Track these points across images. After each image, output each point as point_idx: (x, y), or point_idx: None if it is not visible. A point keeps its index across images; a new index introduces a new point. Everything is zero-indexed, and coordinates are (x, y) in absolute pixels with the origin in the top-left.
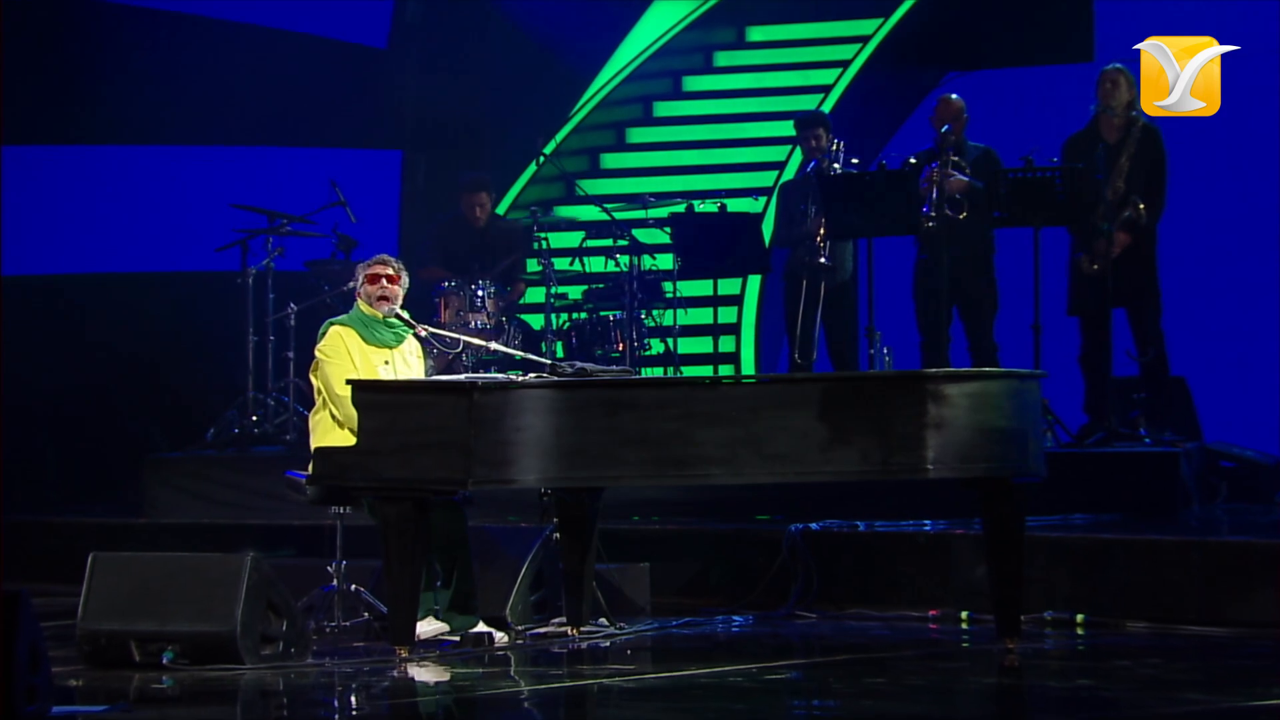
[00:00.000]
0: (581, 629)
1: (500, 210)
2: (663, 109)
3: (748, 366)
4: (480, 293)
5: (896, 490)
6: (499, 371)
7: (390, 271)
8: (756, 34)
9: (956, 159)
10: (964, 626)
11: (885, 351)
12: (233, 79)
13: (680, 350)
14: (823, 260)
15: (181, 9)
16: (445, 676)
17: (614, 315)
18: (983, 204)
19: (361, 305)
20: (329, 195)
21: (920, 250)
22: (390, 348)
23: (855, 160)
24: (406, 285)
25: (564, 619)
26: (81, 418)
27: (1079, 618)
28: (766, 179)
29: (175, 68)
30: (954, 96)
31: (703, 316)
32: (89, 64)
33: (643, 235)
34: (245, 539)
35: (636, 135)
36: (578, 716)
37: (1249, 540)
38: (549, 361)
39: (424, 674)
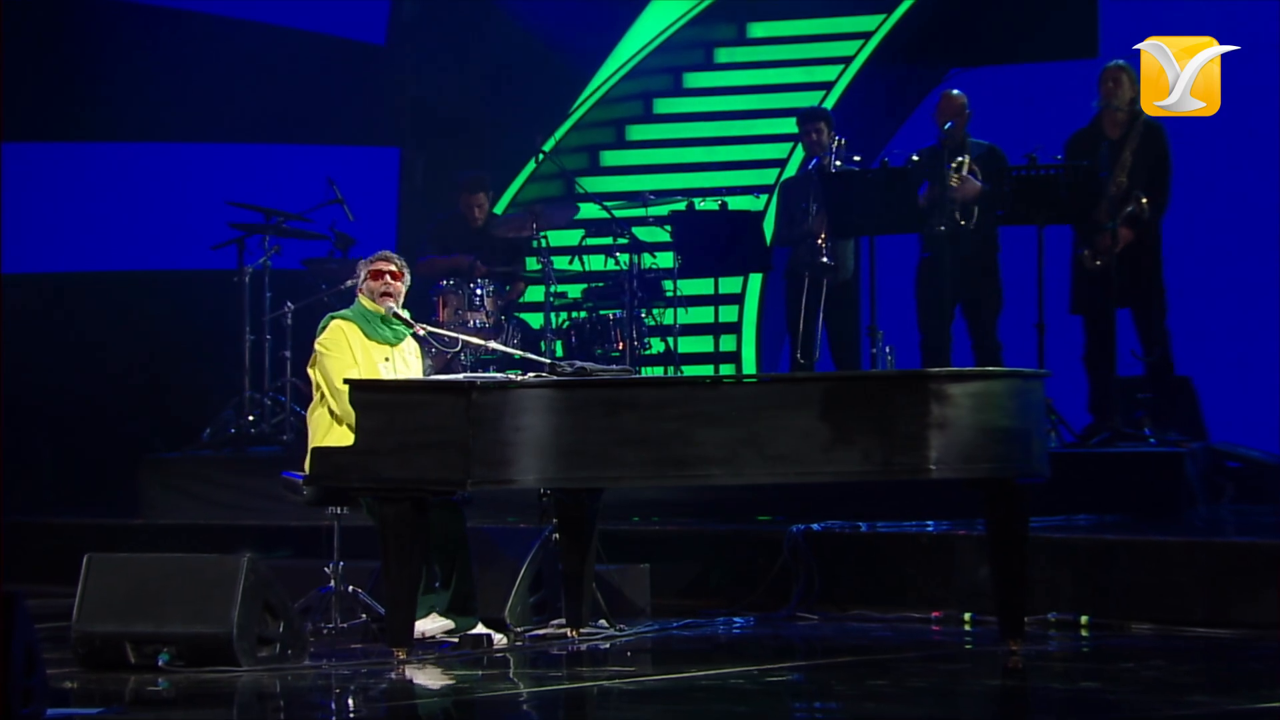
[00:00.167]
0: (581, 630)
1: (499, 209)
2: (663, 106)
3: (749, 366)
4: (479, 291)
5: (899, 491)
6: (498, 371)
7: (393, 268)
8: (758, 30)
9: (964, 160)
10: (967, 628)
11: (887, 350)
12: (229, 76)
13: (681, 349)
14: (824, 259)
15: (178, 5)
16: (444, 678)
17: (614, 314)
18: (988, 203)
19: (363, 301)
20: (326, 193)
21: (923, 248)
22: (391, 345)
23: (857, 158)
24: (408, 284)
25: (563, 620)
26: (77, 417)
27: (1083, 619)
28: (768, 176)
29: (171, 64)
30: (956, 92)
31: (703, 315)
32: (84, 60)
33: (643, 233)
34: (242, 540)
35: (636, 132)
36: (577, 719)
37: (1255, 541)
38: (548, 361)
39: (422, 676)
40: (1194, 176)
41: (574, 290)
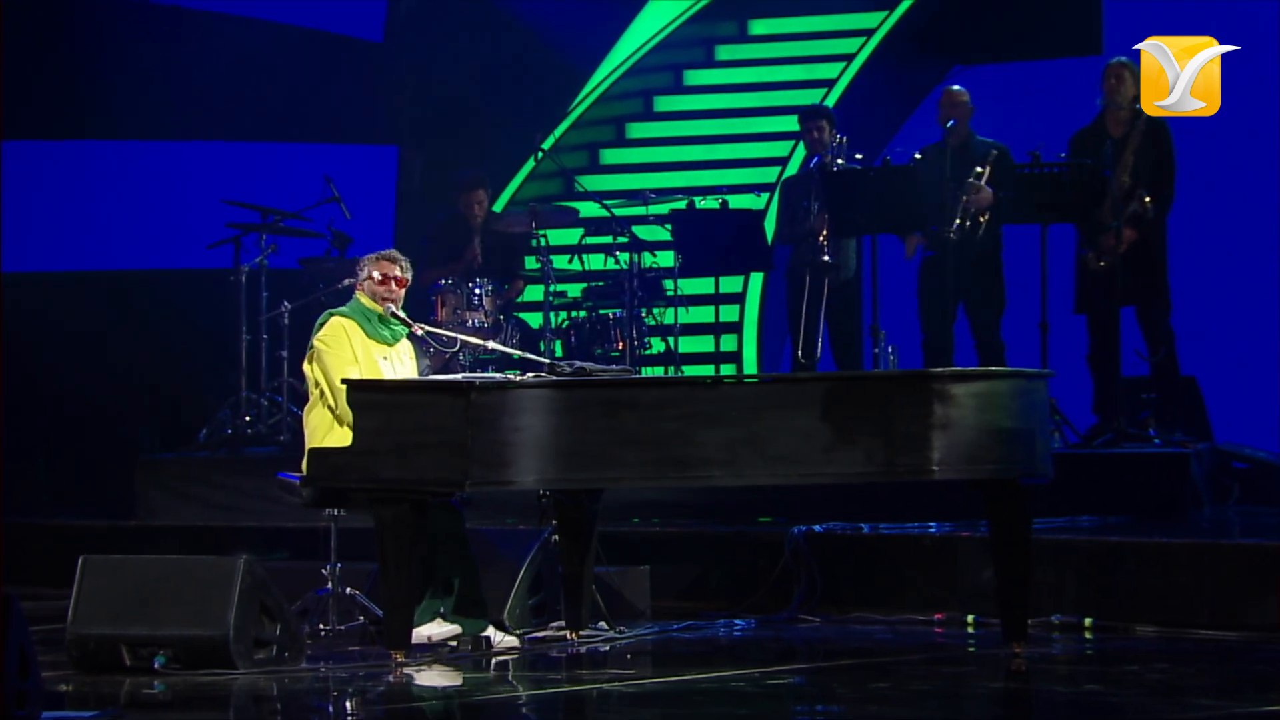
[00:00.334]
0: (580, 633)
1: (497, 208)
2: (663, 103)
3: (750, 366)
4: (478, 291)
5: (901, 492)
6: (496, 371)
7: (399, 274)
8: (759, 27)
9: (984, 170)
10: (970, 630)
11: (889, 350)
12: (225, 73)
13: (681, 349)
14: (826, 257)
15: (174, 2)
16: (442, 681)
17: (614, 313)
18: (998, 209)
19: (363, 299)
20: (323, 191)
21: (926, 247)
22: (389, 345)
23: (859, 156)
24: (407, 286)
25: (563, 623)
26: (72, 418)
27: (1087, 621)
28: (769, 175)
29: (167, 62)
30: (959, 89)
31: (704, 315)
32: (78, 58)
33: (643, 232)
34: (238, 541)
35: (637, 130)
36: None
37: (1261, 543)
38: (547, 361)
39: (421, 679)
40: (1202, 173)
41: (573, 289)
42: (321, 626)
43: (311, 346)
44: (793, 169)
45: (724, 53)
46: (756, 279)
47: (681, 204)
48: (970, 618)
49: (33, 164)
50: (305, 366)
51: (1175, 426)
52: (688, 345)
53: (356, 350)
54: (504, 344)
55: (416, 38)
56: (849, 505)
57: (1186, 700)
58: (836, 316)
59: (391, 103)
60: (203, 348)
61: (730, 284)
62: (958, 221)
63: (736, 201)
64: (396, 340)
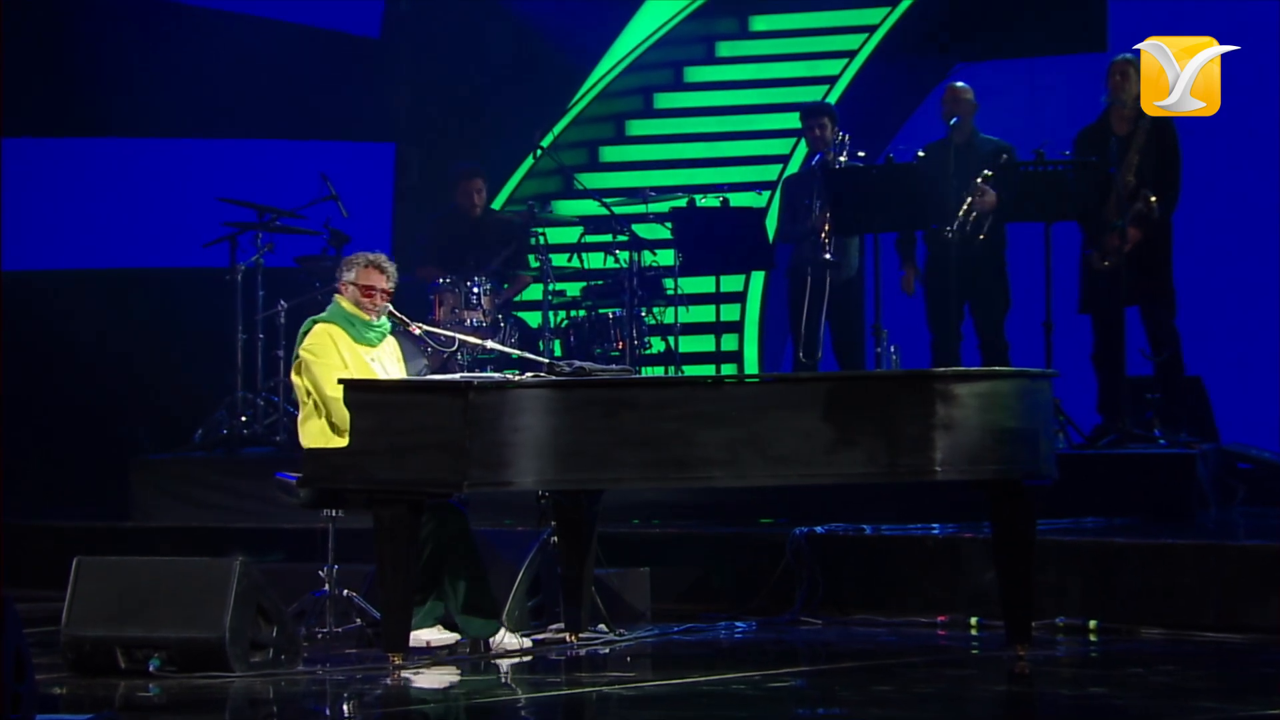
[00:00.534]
0: (580, 635)
1: (496, 205)
2: (664, 101)
3: (751, 365)
4: (476, 290)
5: (904, 493)
6: (495, 370)
7: (385, 286)
8: (760, 23)
9: (990, 173)
10: (973, 633)
11: (892, 350)
12: (221, 70)
13: (681, 349)
14: (828, 256)
15: None
16: (440, 684)
17: (613, 313)
18: (1003, 210)
19: (344, 304)
20: (320, 189)
21: (928, 245)
22: (374, 345)
23: (861, 153)
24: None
25: (562, 625)
26: (66, 418)
27: (1091, 624)
28: (770, 173)
29: (163, 58)
30: (962, 85)
31: (705, 314)
32: (74, 55)
33: (643, 230)
34: (234, 543)
35: (637, 128)
36: None
37: (1267, 544)
38: (546, 360)
39: (419, 682)
40: (1208, 171)
41: (573, 288)
42: (318, 629)
43: (298, 356)
44: (794, 167)
45: (725, 49)
46: (757, 278)
47: (682, 202)
48: (973, 620)
49: (27, 162)
50: (293, 377)
51: (1180, 427)
52: (688, 345)
53: (344, 356)
54: (502, 343)
55: (414, 34)
56: (851, 506)
57: (1192, 703)
58: (838, 316)
59: (389, 100)
60: (198, 347)
61: (731, 283)
62: (960, 218)
63: (737, 200)
64: (381, 340)
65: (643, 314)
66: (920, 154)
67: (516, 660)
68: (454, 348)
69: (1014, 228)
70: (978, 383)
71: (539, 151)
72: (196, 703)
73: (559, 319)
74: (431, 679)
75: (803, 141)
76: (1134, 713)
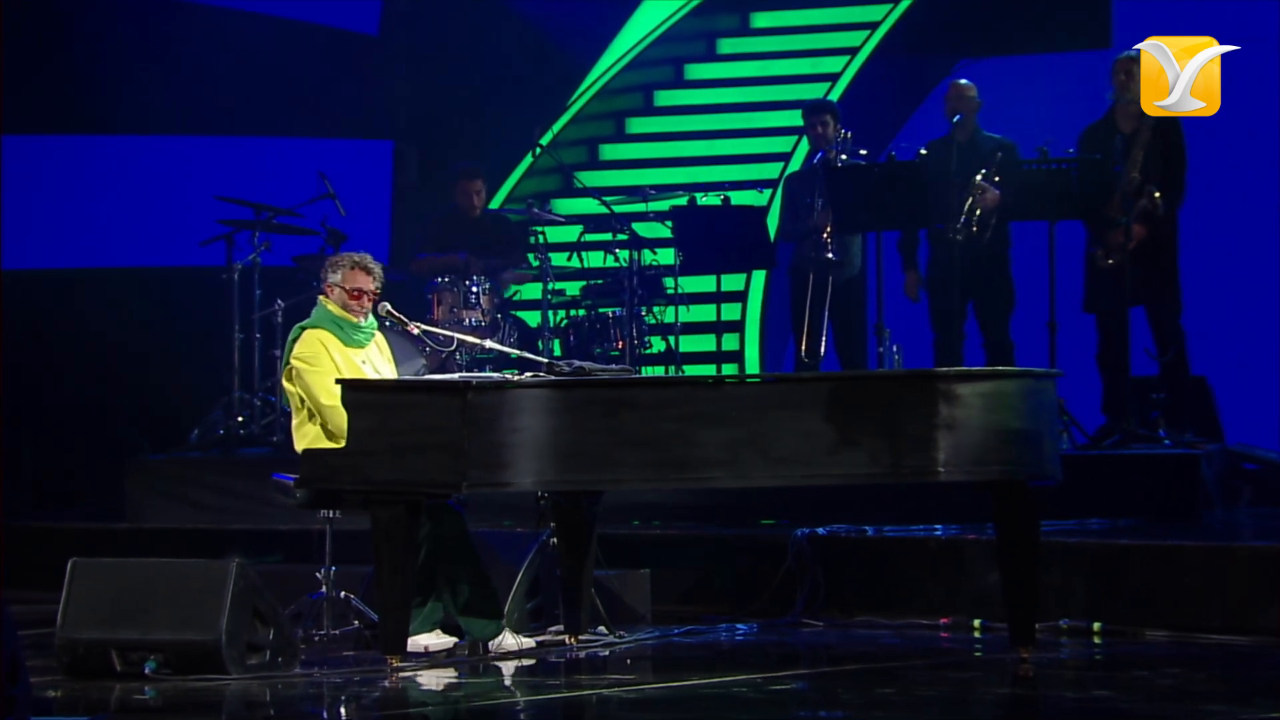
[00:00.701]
0: (580, 638)
1: (495, 204)
2: (664, 98)
3: (752, 365)
4: (475, 289)
5: (906, 494)
6: (494, 370)
7: (372, 287)
8: (761, 20)
9: (990, 171)
10: (976, 635)
11: (895, 349)
12: (218, 66)
13: (682, 348)
14: (830, 255)
15: None
16: (438, 687)
17: (613, 312)
18: (1006, 208)
19: (331, 306)
20: (317, 187)
21: (931, 244)
22: (363, 347)
23: (864, 151)
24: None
25: (561, 627)
26: (61, 418)
27: (1096, 626)
28: (772, 170)
29: (158, 55)
30: (966, 83)
31: (705, 313)
32: (70, 52)
33: (643, 229)
34: (231, 544)
35: (637, 125)
36: None
37: (1273, 546)
38: (546, 360)
39: (417, 684)
40: (1214, 168)
41: (572, 287)
42: (315, 631)
43: (288, 364)
44: (796, 164)
45: (726, 46)
46: (759, 277)
47: (682, 200)
48: (977, 622)
49: (21, 159)
50: (284, 384)
51: (1185, 427)
52: (689, 344)
53: (336, 360)
54: (501, 343)
55: (413, 31)
56: (853, 507)
57: (1197, 706)
58: (840, 315)
59: (387, 97)
60: (195, 347)
61: (732, 282)
62: (962, 220)
63: (738, 198)
64: (369, 341)
65: (643, 313)
66: (922, 152)
67: (516, 663)
68: (452, 347)
69: (1018, 226)
70: (981, 382)
71: (538, 149)
72: (192, 705)
73: (558, 318)
74: (430, 681)
75: (804, 139)
76: (1139, 716)
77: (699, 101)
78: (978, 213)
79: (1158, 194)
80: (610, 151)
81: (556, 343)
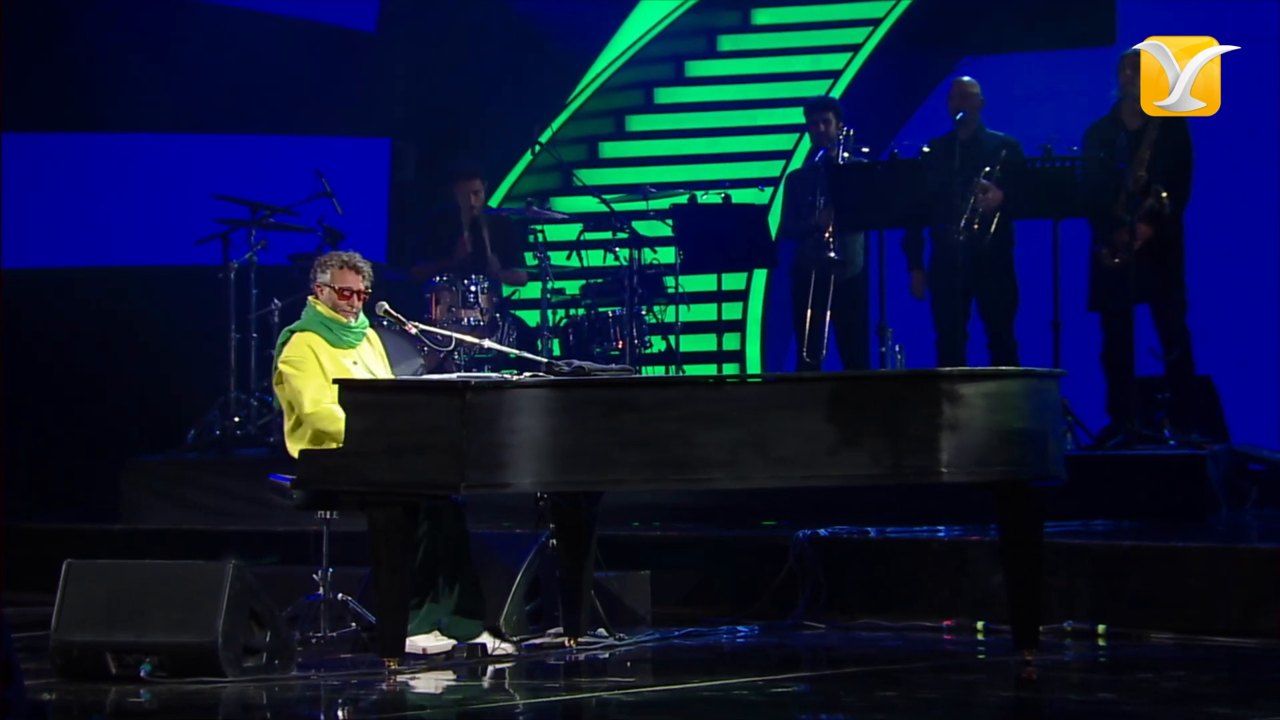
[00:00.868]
0: (579, 640)
1: (494, 202)
2: (664, 95)
3: (753, 365)
4: (473, 289)
5: (909, 495)
6: (493, 370)
7: (362, 287)
8: (762, 16)
9: (993, 169)
10: (980, 637)
11: (897, 349)
12: (214, 64)
13: (682, 348)
14: (832, 254)
15: None
16: (437, 690)
17: (613, 311)
18: (1009, 208)
19: (320, 307)
20: (314, 186)
21: (935, 243)
22: (354, 347)
23: (866, 149)
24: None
25: (561, 629)
26: (55, 418)
27: (1100, 628)
28: (773, 168)
29: (153, 52)
30: (969, 80)
31: (706, 313)
32: (67, 48)
33: (643, 228)
34: (227, 545)
35: (637, 123)
36: None
37: (1279, 547)
38: (545, 360)
39: (415, 687)
40: (1219, 167)
41: (572, 286)
42: (312, 633)
43: (277, 368)
44: (797, 162)
45: (727, 43)
46: (760, 276)
47: (683, 198)
48: (980, 624)
49: (17, 158)
50: (275, 388)
51: (1191, 427)
52: (689, 344)
53: (324, 364)
54: (500, 342)
55: (411, 28)
56: (855, 508)
57: (1203, 709)
58: (842, 314)
59: (385, 94)
60: (191, 347)
61: (733, 281)
62: (965, 219)
63: (739, 196)
64: (360, 341)
65: (643, 312)
66: (925, 150)
67: (514, 665)
68: (451, 347)
69: (1022, 224)
70: (984, 382)
71: (537, 147)
72: (188, 709)
73: (558, 317)
74: (428, 684)
75: (806, 137)
76: (1144, 719)
77: (700, 99)
78: (981, 211)
79: (1164, 193)
80: (610, 149)
81: (556, 342)
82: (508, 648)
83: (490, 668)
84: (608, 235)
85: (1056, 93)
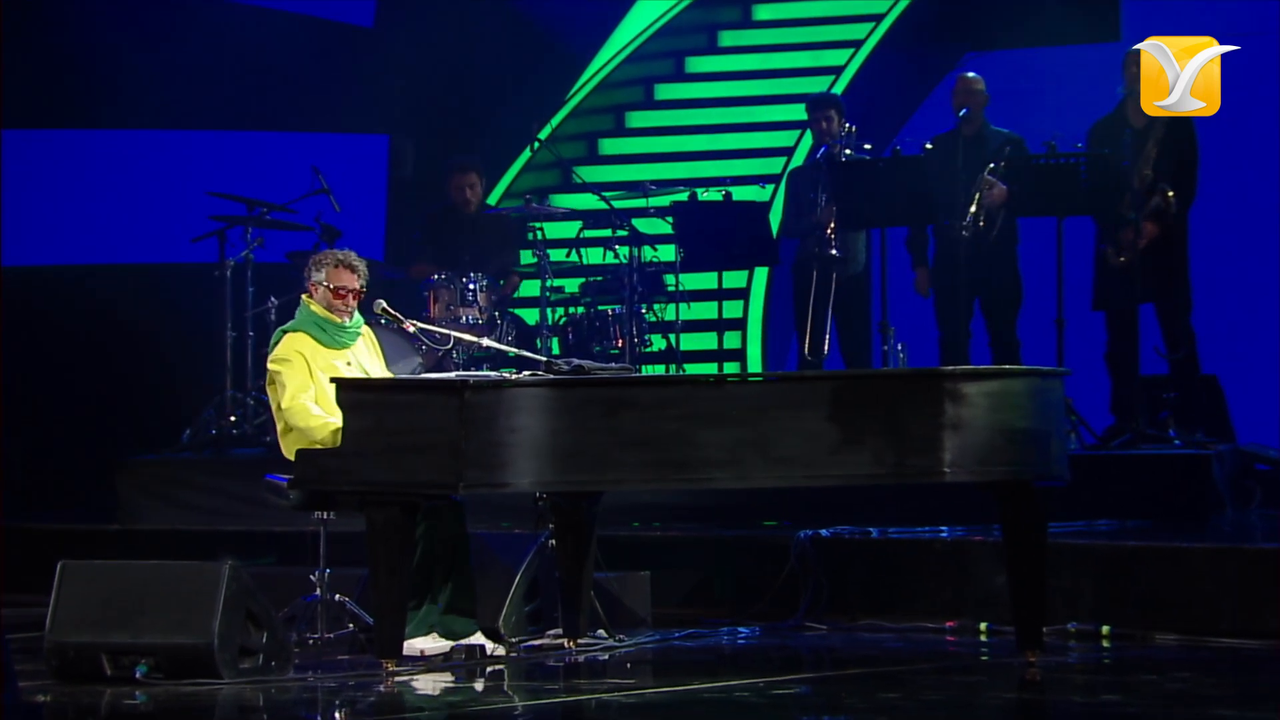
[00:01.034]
0: (579, 641)
1: (492, 200)
2: (665, 91)
3: (754, 364)
4: (471, 286)
5: (911, 494)
6: (491, 369)
7: (357, 286)
8: (764, 12)
9: (998, 165)
10: (983, 638)
11: (899, 348)
12: (210, 59)
13: (683, 347)
14: (834, 251)
15: None
16: (435, 691)
17: (613, 310)
18: (1014, 204)
19: (313, 306)
20: (311, 182)
21: (938, 241)
22: (348, 347)
23: (868, 146)
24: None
25: (560, 631)
26: (50, 417)
27: (1104, 629)
28: (774, 165)
29: (149, 47)
30: (974, 76)
31: (707, 311)
32: (62, 44)
33: (643, 225)
34: (223, 546)
35: (637, 119)
36: None
37: None
38: (544, 359)
39: (413, 689)
40: (1225, 165)
41: (571, 284)
42: (310, 634)
43: (268, 369)
44: (799, 159)
45: (727, 39)
46: (761, 274)
47: (683, 196)
48: (983, 625)
49: (13, 155)
50: (268, 389)
51: (1196, 427)
52: (689, 342)
53: (313, 364)
54: (499, 341)
55: (409, 23)
56: (857, 508)
57: (1207, 711)
58: (844, 312)
59: (383, 90)
60: (186, 345)
61: (734, 279)
62: (971, 213)
63: (740, 193)
64: (354, 341)
65: (643, 311)
66: (928, 146)
67: (513, 667)
68: (449, 345)
69: (1026, 222)
70: (988, 381)
71: (536, 144)
72: (184, 710)
73: (557, 316)
74: (426, 686)
75: (808, 133)
76: None
77: (700, 95)
78: (985, 208)
79: (1170, 192)
80: (610, 146)
81: (555, 341)
82: (500, 649)
83: (489, 669)
84: (607, 233)
85: (1060, 89)
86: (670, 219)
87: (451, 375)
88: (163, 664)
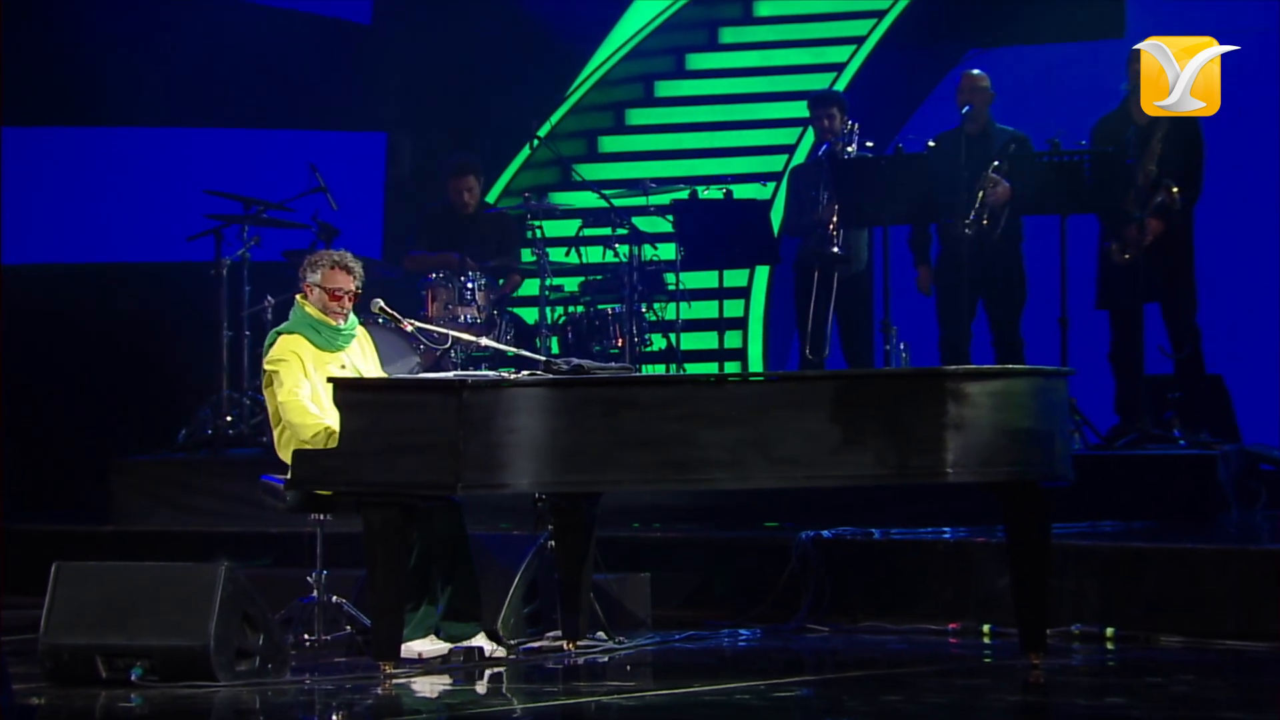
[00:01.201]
0: (578, 643)
1: (491, 198)
2: (665, 89)
3: (755, 363)
4: (470, 285)
5: (914, 495)
6: (490, 369)
7: (353, 287)
8: (765, 8)
9: (1002, 164)
10: (986, 641)
11: (902, 347)
12: (207, 56)
13: (683, 346)
14: (835, 250)
15: None
16: (433, 694)
17: (613, 309)
18: (1018, 203)
19: (308, 308)
20: (308, 180)
21: (941, 239)
22: (343, 348)
23: (870, 143)
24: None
25: (559, 633)
26: (44, 417)
27: (1108, 631)
28: (776, 163)
29: (147, 45)
30: (978, 73)
31: (707, 310)
32: (60, 41)
33: (643, 223)
34: (219, 547)
35: (637, 117)
36: None
37: None
38: (543, 358)
39: (410, 691)
40: (1231, 162)
41: (570, 283)
42: (306, 636)
43: (264, 371)
44: (801, 157)
45: (728, 35)
46: (762, 272)
47: (684, 194)
48: (986, 627)
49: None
50: (265, 392)
51: (1201, 427)
52: (690, 342)
53: (308, 367)
54: (498, 340)
55: (407, 20)
56: (859, 509)
57: (1213, 713)
58: (846, 311)
59: (380, 88)
60: (182, 344)
61: (735, 278)
62: (974, 211)
63: (741, 191)
64: (350, 342)
65: (643, 310)
66: (931, 144)
67: (512, 669)
68: (447, 345)
69: (1030, 220)
70: (991, 381)
71: (536, 141)
72: (180, 713)
73: (556, 315)
74: (424, 688)
75: (809, 131)
76: None
77: (701, 92)
78: (989, 206)
79: (1176, 189)
80: (610, 143)
81: (554, 340)
82: (500, 651)
83: (487, 671)
84: (607, 231)
85: (1064, 86)
86: (670, 217)
87: (450, 375)
88: (158, 666)
